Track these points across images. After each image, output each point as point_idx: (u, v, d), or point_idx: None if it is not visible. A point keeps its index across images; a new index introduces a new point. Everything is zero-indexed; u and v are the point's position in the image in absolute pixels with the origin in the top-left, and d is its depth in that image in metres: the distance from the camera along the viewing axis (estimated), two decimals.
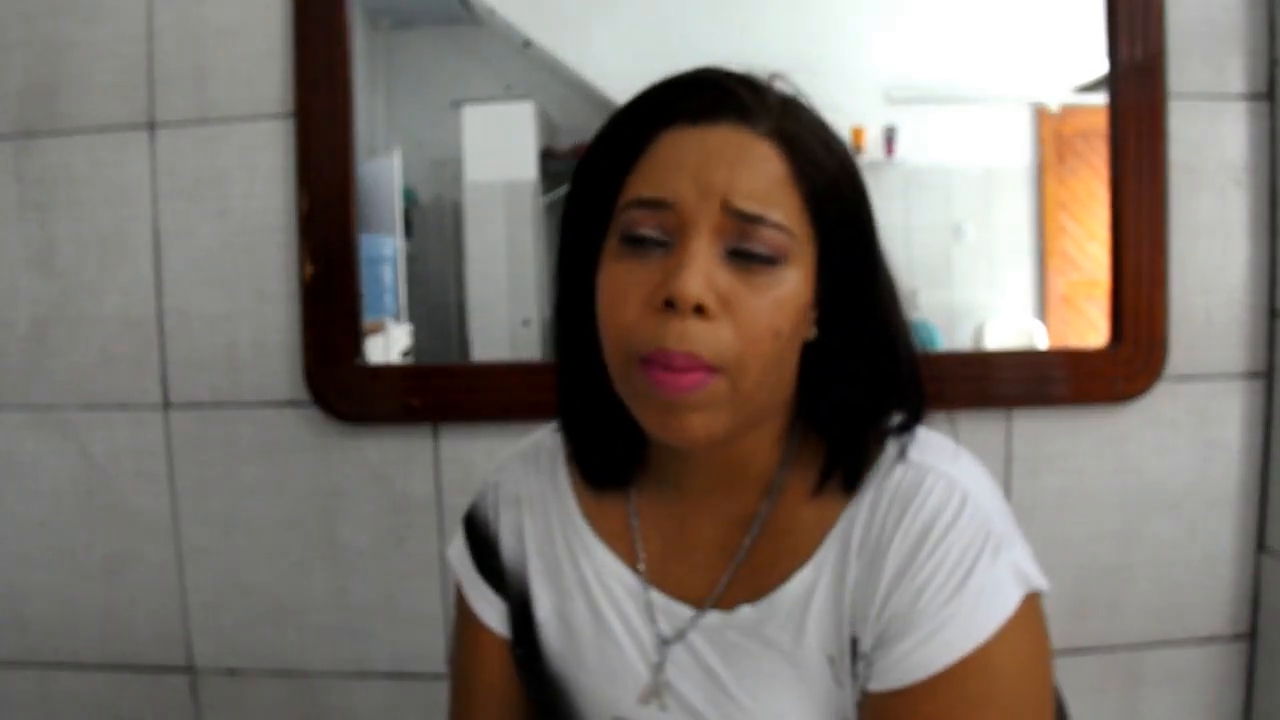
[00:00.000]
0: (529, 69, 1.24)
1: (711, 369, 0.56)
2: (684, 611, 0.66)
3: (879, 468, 0.63)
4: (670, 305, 0.56)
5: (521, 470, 0.76)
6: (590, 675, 0.69)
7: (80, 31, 1.15)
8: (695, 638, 0.66)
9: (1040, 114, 1.22)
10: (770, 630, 0.63)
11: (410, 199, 1.24)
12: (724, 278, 0.57)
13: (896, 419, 0.65)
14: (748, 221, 0.57)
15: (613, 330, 0.59)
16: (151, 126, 1.16)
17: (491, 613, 0.74)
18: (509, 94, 1.24)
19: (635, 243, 0.58)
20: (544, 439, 0.77)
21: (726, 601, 0.65)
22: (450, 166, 1.23)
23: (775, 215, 0.57)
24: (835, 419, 0.64)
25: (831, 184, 0.60)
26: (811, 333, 0.62)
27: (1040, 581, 0.60)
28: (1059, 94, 1.21)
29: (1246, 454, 1.15)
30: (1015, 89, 1.23)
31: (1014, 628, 0.58)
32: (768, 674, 0.63)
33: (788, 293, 0.58)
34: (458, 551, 0.78)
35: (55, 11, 1.15)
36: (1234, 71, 1.12)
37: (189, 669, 1.21)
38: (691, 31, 1.20)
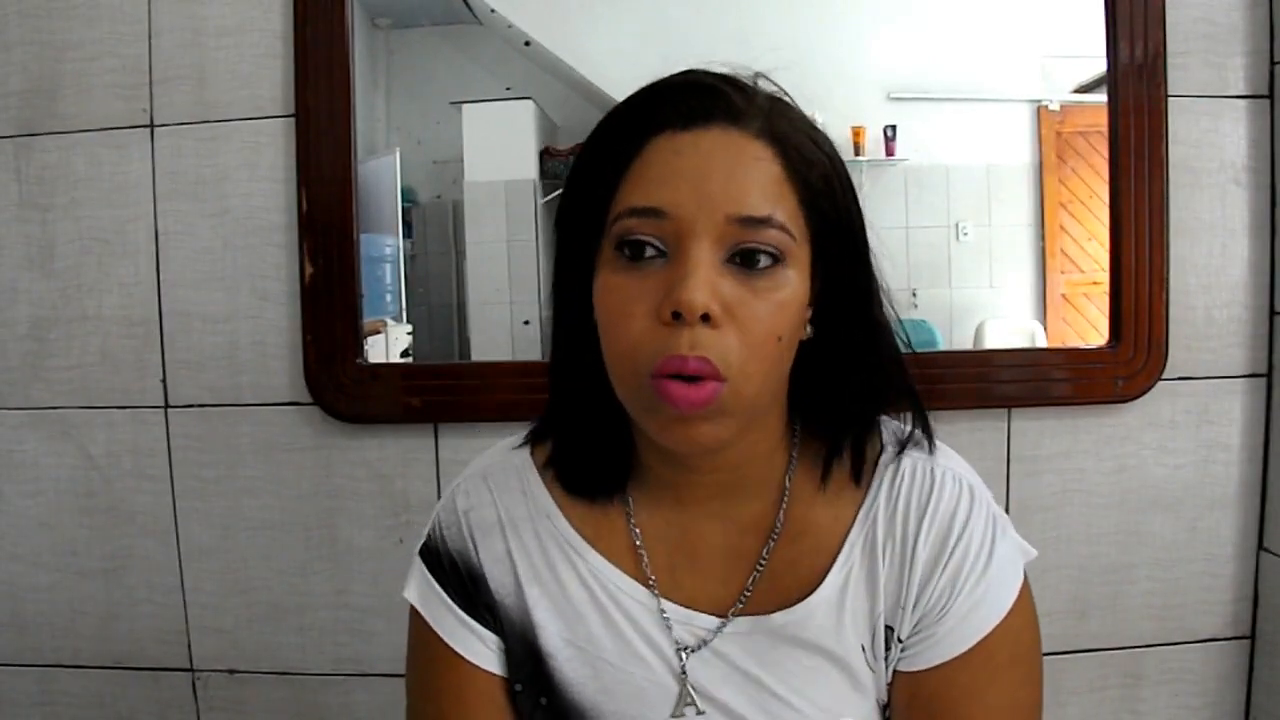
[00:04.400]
0: (529, 69, 1.24)
1: (720, 378, 0.56)
2: (705, 621, 0.66)
3: (882, 463, 0.66)
4: (677, 317, 0.55)
5: (491, 493, 0.70)
6: (617, 699, 0.66)
7: (80, 31, 1.15)
8: (723, 644, 0.66)
9: (1040, 113, 1.22)
10: (810, 632, 0.65)
11: (410, 199, 1.24)
12: (727, 285, 0.56)
13: (892, 416, 0.67)
14: (752, 226, 0.56)
15: (619, 345, 0.59)
16: (151, 126, 1.16)
17: (484, 651, 0.69)
18: (509, 94, 1.24)
19: (633, 253, 0.58)
20: (503, 459, 0.73)
21: (752, 607, 0.66)
22: (450, 166, 1.23)
23: (779, 215, 0.57)
24: (834, 416, 0.65)
25: (824, 180, 0.60)
26: (807, 333, 0.62)
27: (1030, 549, 0.67)
28: (1059, 93, 1.21)
29: (1246, 454, 1.15)
30: (1015, 88, 1.23)
31: (1023, 594, 0.65)
32: (810, 670, 0.65)
33: (789, 295, 0.58)
34: (424, 591, 0.70)
35: (55, 11, 1.15)
36: (1234, 71, 1.12)
37: (189, 669, 1.21)
38: (691, 31, 1.20)
